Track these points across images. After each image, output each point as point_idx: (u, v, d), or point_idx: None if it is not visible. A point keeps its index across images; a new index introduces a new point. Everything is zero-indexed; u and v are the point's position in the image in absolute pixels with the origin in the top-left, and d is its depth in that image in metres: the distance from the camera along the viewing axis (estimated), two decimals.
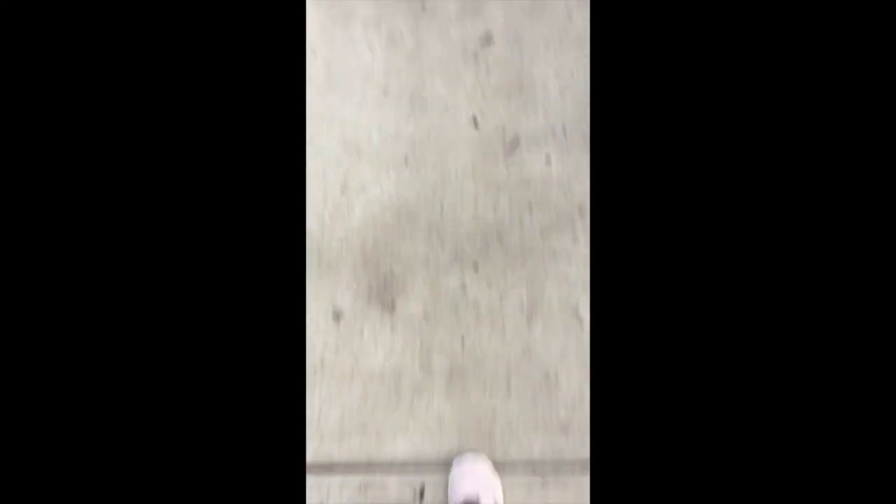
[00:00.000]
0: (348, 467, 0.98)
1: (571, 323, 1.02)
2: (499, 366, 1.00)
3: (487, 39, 1.24)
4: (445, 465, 0.97)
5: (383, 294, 1.06)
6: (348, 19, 1.30)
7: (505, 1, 1.27)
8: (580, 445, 0.98)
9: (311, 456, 0.98)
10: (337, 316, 1.05)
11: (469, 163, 1.14)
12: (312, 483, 0.97)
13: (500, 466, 0.96)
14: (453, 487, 0.94)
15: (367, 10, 1.30)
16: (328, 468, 0.98)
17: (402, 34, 1.27)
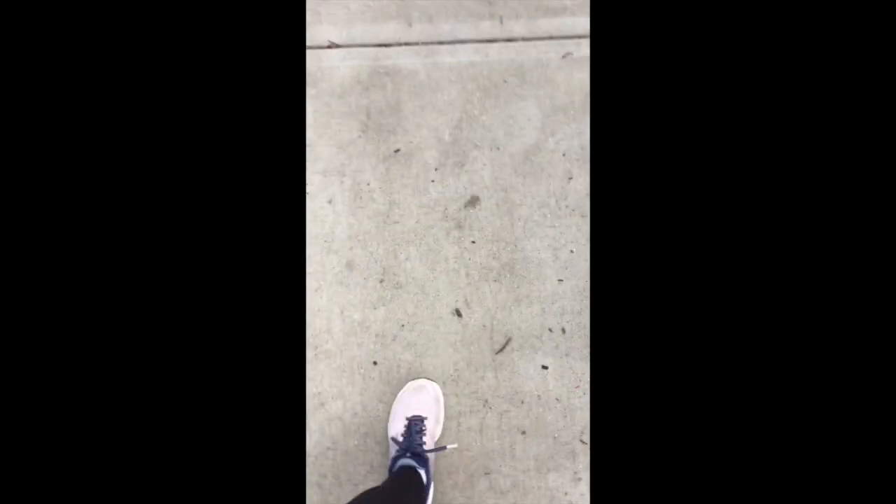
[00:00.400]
0: None
1: None
2: None
3: (473, 202, 1.05)
4: None
5: None
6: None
7: (493, 152, 1.08)
8: None
9: None
10: None
11: (451, 368, 0.95)
12: None
13: None
14: (398, 406, 0.91)
15: (328, 154, 1.07)
16: None
17: (371, 189, 1.06)
